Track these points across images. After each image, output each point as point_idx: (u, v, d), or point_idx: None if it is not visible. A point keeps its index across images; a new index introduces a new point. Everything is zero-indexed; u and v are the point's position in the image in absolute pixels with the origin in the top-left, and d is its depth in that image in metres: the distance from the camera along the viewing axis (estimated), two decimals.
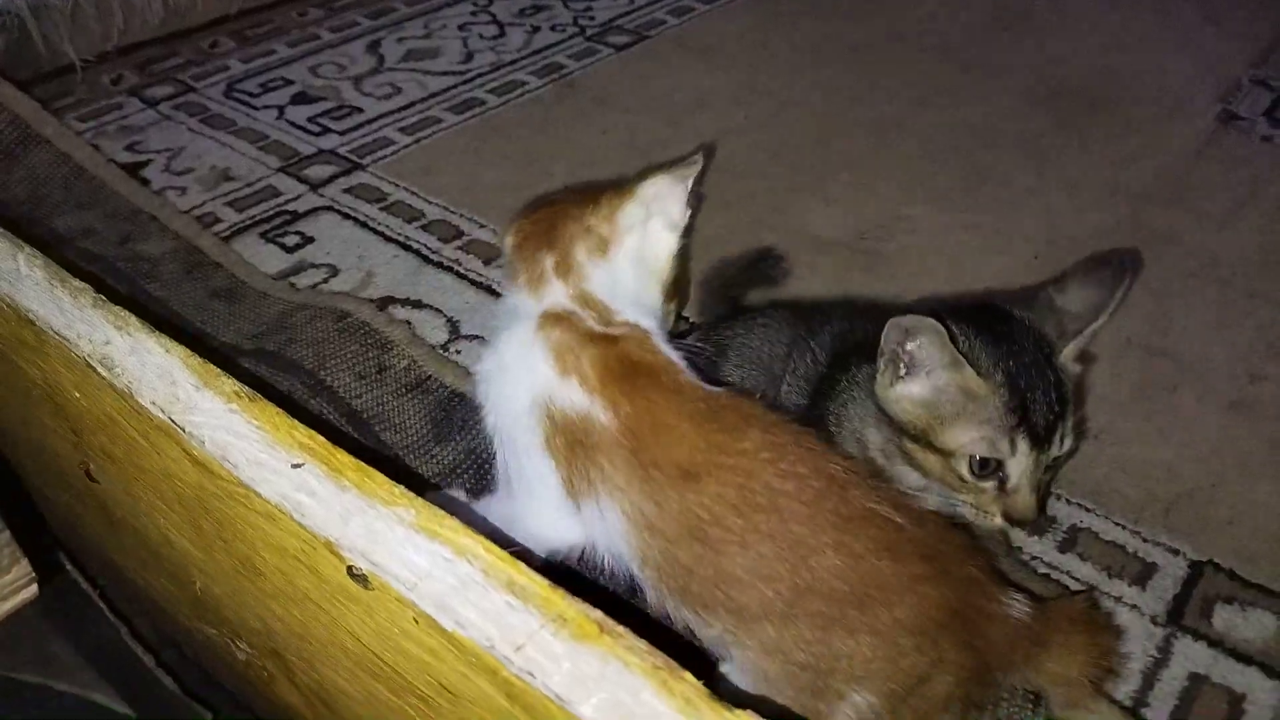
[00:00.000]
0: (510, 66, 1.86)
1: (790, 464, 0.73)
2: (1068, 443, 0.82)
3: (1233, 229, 1.41)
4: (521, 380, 0.79)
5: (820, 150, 1.61)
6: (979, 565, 0.75)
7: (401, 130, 1.66)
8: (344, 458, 0.64)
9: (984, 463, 0.81)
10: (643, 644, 0.53)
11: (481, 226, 1.43)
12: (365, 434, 0.98)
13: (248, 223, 1.43)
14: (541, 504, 0.80)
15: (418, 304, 1.28)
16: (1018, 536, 0.98)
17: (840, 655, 0.70)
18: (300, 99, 1.76)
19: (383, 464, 0.63)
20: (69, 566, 1.11)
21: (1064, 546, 0.98)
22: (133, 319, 0.76)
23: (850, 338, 0.97)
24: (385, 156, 1.59)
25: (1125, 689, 0.85)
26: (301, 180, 1.53)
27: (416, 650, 0.61)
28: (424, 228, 1.43)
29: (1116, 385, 1.16)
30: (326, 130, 1.66)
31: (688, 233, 0.89)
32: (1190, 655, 0.89)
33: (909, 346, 0.81)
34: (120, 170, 1.38)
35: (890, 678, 0.70)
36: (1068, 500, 1.02)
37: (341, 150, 1.61)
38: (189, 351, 0.73)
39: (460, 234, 1.41)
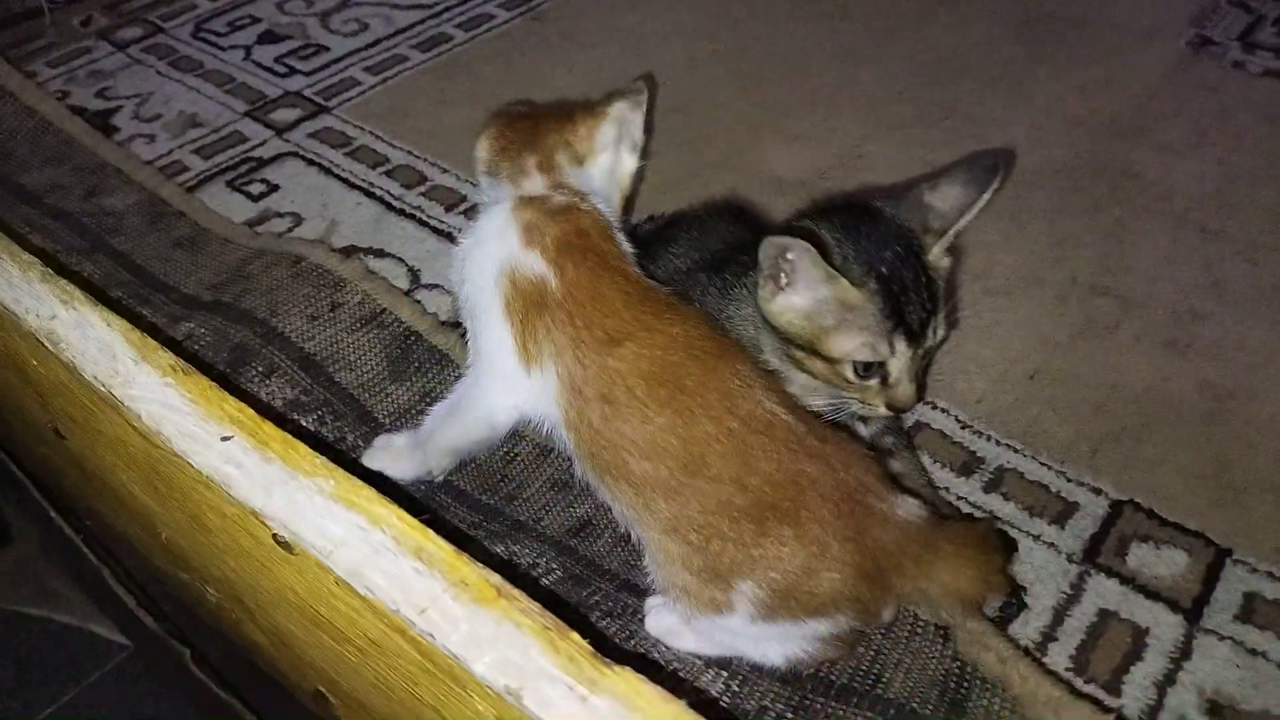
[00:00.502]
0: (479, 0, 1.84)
1: (702, 353, 0.80)
2: (940, 333, 0.88)
3: (1193, 161, 1.41)
4: (491, 253, 0.87)
5: (787, 84, 1.61)
6: (869, 470, 0.79)
7: (368, 70, 1.66)
8: (270, 430, 0.69)
9: (867, 365, 0.86)
10: (535, 606, 0.58)
11: (444, 171, 1.44)
12: (318, 378, 1.02)
13: (214, 170, 1.45)
14: (497, 371, 0.88)
15: (380, 253, 1.30)
16: (946, 478, 1.03)
17: (726, 539, 0.76)
18: (267, 38, 1.75)
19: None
20: (53, 514, 1.17)
21: (989, 487, 1.02)
22: (78, 293, 0.79)
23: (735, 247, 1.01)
24: (351, 98, 1.60)
25: (1035, 624, 0.91)
26: (267, 125, 1.54)
27: (343, 608, 0.66)
28: (388, 173, 1.44)
29: (1057, 325, 1.19)
30: (293, 71, 1.66)
31: (644, 155, 0.98)
32: (1101, 592, 0.93)
33: (784, 263, 0.85)
34: (85, 123, 1.40)
35: (773, 568, 0.75)
36: (997, 441, 1.06)
37: (307, 92, 1.61)
38: (129, 325, 0.77)
39: (423, 179, 1.43)
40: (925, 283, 0.86)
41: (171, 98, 1.60)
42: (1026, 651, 0.86)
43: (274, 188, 1.42)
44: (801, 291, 0.86)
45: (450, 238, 1.32)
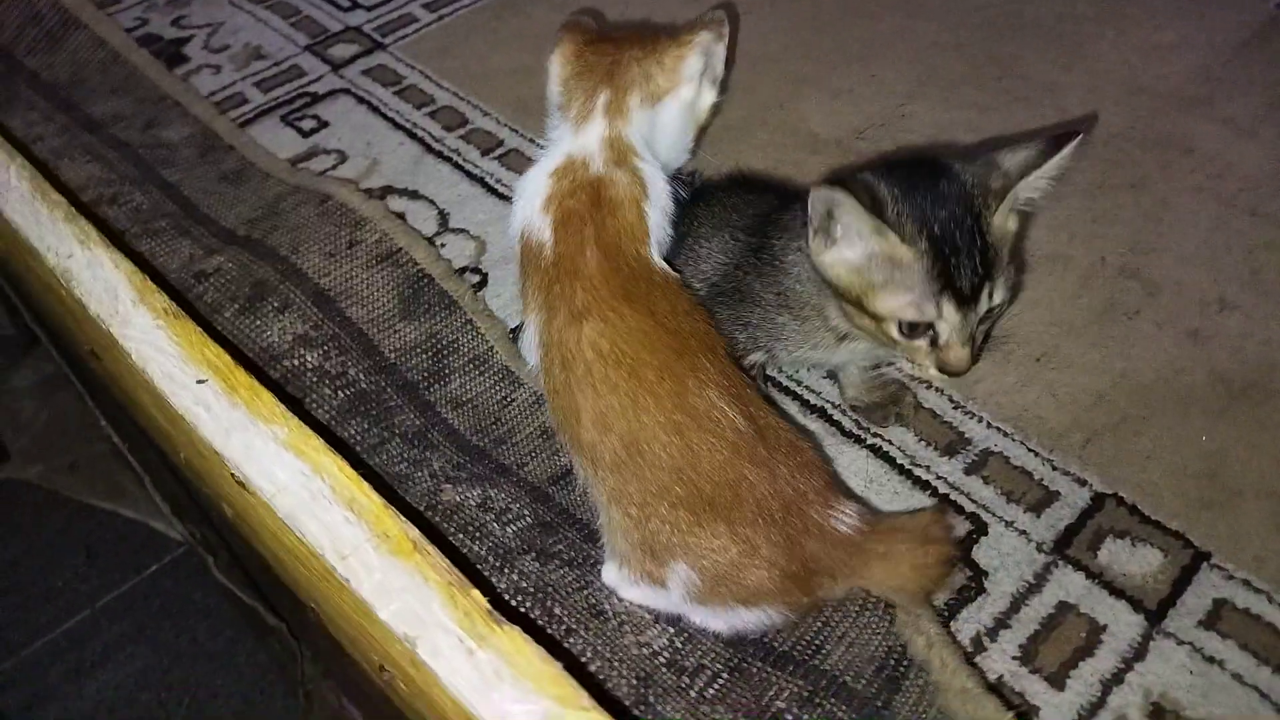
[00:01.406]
0: None
1: (665, 346, 0.81)
2: (998, 296, 0.86)
3: (1256, 139, 1.33)
4: (521, 208, 0.91)
5: (839, 33, 1.57)
6: (813, 481, 0.81)
7: (425, 6, 1.69)
8: (241, 376, 0.74)
9: (914, 325, 0.85)
10: (444, 562, 0.63)
11: (485, 115, 1.47)
12: (329, 313, 1.08)
13: (271, 104, 1.51)
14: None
15: (414, 194, 1.35)
16: (929, 456, 1.03)
17: (664, 522, 0.79)
18: None
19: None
20: (102, 421, 1.28)
21: (971, 469, 1.02)
22: (94, 234, 0.86)
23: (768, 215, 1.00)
24: (407, 35, 1.63)
25: (991, 609, 0.91)
26: (325, 60, 1.59)
27: (289, 544, 0.72)
28: (431, 114, 1.48)
29: (1075, 308, 1.16)
30: (355, 5, 1.70)
31: (723, 89, 0.98)
32: (1065, 584, 0.93)
33: (833, 216, 0.84)
34: (150, 56, 1.47)
35: (705, 557, 0.79)
36: (988, 423, 1.05)
37: (367, 28, 1.65)
38: (134, 268, 0.83)
39: (465, 122, 1.46)
40: (981, 246, 0.83)
41: (240, 29, 1.67)
42: (956, 640, 0.87)
43: (324, 124, 1.47)
44: (852, 244, 0.85)
45: (482, 182, 1.36)
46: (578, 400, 0.81)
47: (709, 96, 0.95)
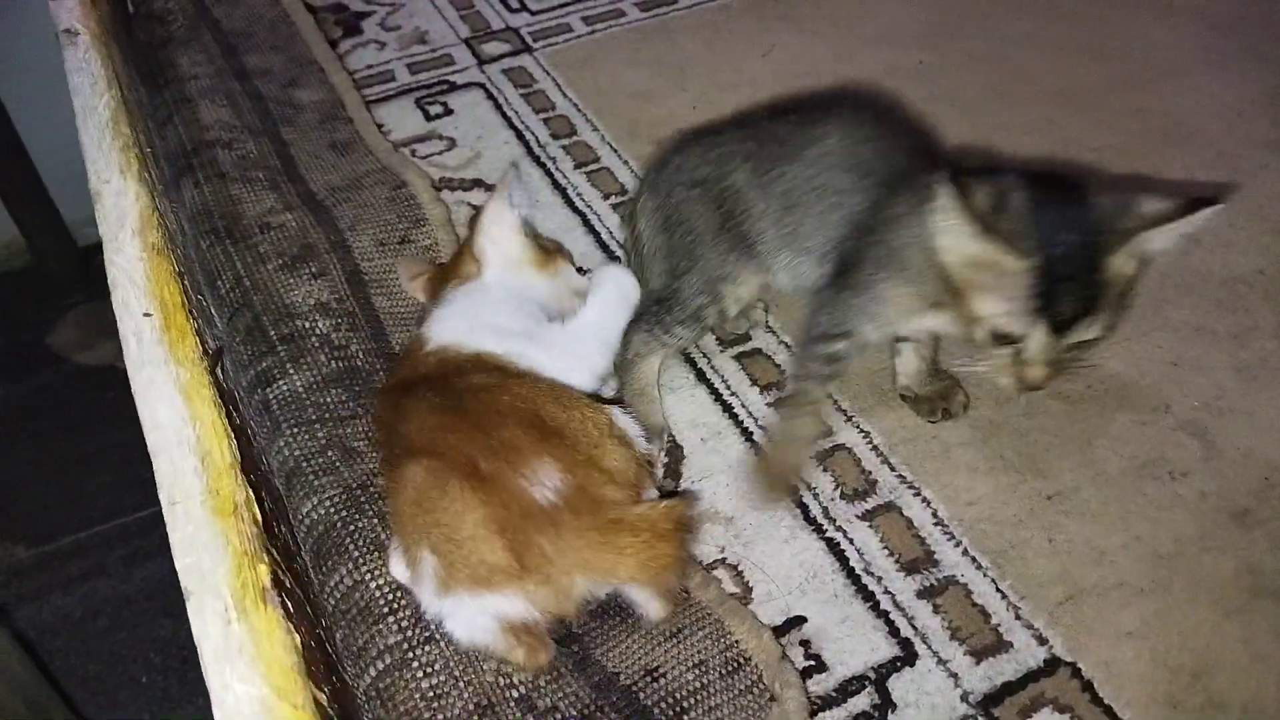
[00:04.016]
0: None
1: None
2: (1093, 332, 0.85)
3: None
4: None
5: (980, 119, 1.48)
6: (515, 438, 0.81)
7: (584, 19, 1.74)
8: (179, 319, 0.80)
9: (1004, 335, 0.86)
10: (255, 530, 0.65)
11: (593, 129, 1.50)
12: (357, 294, 1.14)
13: (413, 86, 1.61)
14: None
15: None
16: (886, 566, 0.96)
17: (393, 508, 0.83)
18: None
19: None
20: None
21: (926, 593, 0.94)
22: (136, 168, 0.96)
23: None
24: (556, 44, 1.69)
25: None
26: (475, 54, 1.67)
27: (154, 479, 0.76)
28: (545, 120, 1.52)
29: (1116, 452, 1.04)
30: (523, 8, 1.78)
31: None
32: None
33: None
34: (313, 20, 1.61)
35: (428, 532, 0.80)
36: (965, 550, 0.97)
37: (524, 30, 1.72)
38: (150, 203, 0.92)
39: (572, 133, 1.50)
40: (1093, 279, 0.83)
41: (416, 13, 1.78)
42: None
43: (449, 112, 1.55)
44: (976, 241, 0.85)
45: (564, 193, 1.39)
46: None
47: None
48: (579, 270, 1.21)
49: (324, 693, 0.61)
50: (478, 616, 0.80)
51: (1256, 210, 1.31)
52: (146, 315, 0.80)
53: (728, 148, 1.06)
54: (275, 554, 0.67)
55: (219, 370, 0.81)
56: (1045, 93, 1.53)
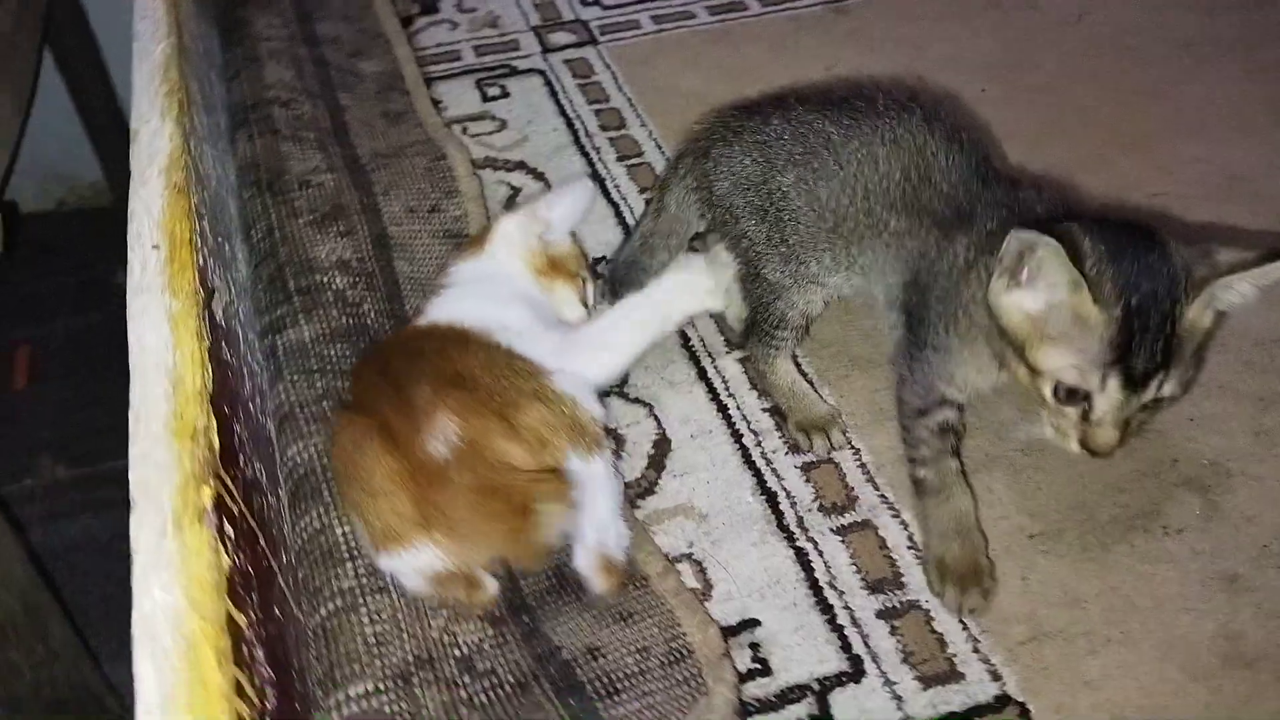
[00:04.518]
0: None
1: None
2: (1168, 389, 0.81)
3: None
4: None
5: (1035, 155, 1.44)
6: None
7: (653, 18, 1.76)
8: (184, 255, 0.84)
9: (1071, 391, 0.81)
10: (206, 456, 0.68)
11: (642, 125, 1.52)
12: (379, 256, 1.18)
13: (476, 67, 1.65)
14: None
15: (539, 175, 1.42)
16: (852, 582, 0.95)
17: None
18: None
19: None
20: None
21: (886, 614, 0.93)
22: (175, 113, 1.01)
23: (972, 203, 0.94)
24: (622, 39, 1.71)
25: None
26: (541, 42, 1.71)
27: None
28: (597, 112, 1.55)
29: (1111, 499, 1.01)
30: (596, 2, 1.81)
31: None
32: None
33: (1028, 260, 0.80)
34: None
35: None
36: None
37: (594, 23, 1.75)
38: (182, 145, 0.96)
39: (621, 126, 1.52)
40: (1169, 332, 0.79)
41: None
42: None
43: (506, 95, 1.59)
44: (1038, 292, 0.81)
45: (603, 184, 1.41)
46: None
47: None
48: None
49: (245, 616, 0.63)
50: (404, 568, 0.82)
51: None
52: (155, 247, 0.84)
53: (774, 146, 1.03)
54: (228, 482, 0.70)
55: (211, 307, 0.84)
56: (1104, 132, 1.49)
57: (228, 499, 0.69)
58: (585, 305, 1.12)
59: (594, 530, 0.88)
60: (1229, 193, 1.38)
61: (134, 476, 0.66)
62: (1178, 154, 1.45)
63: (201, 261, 0.86)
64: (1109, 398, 0.79)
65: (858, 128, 1.00)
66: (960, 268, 0.90)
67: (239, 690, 0.58)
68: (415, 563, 0.82)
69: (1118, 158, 1.44)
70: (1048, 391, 0.82)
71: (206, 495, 0.65)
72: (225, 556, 0.64)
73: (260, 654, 0.66)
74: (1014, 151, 1.44)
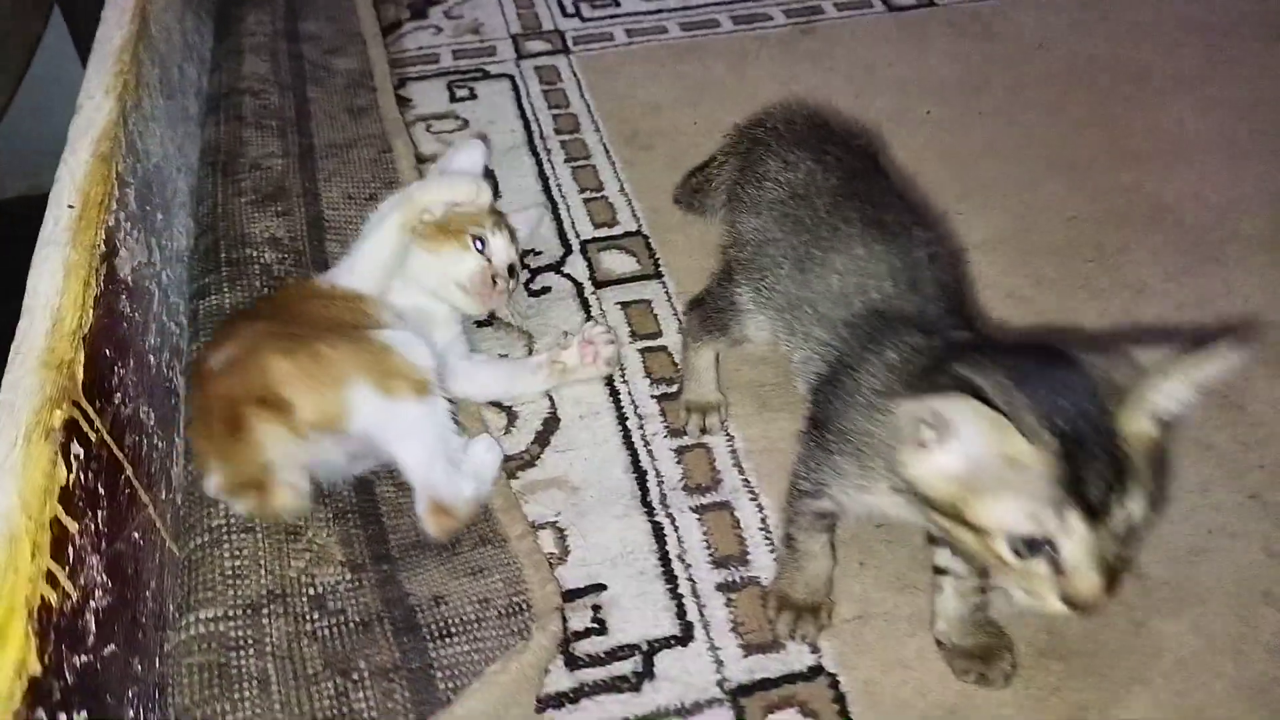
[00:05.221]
0: (775, 0, 1.91)
1: None
2: (1136, 511, 0.70)
3: None
4: None
5: (961, 175, 1.49)
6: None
7: (627, 31, 1.84)
8: (92, 214, 0.94)
9: (1030, 542, 0.70)
10: (69, 384, 0.77)
11: (595, 130, 1.59)
12: (311, 235, 1.27)
13: (451, 70, 1.74)
14: None
15: (487, 172, 1.50)
16: (700, 556, 1.01)
17: None
18: None
19: None
20: None
21: (725, 587, 0.99)
22: (119, 89, 1.11)
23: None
24: (593, 50, 1.80)
25: (630, 706, 0.89)
26: (517, 49, 1.80)
27: None
28: (555, 115, 1.63)
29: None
30: (577, 14, 1.90)
31: None
32: None
33: (934, 423, 0.71)
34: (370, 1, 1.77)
35: None
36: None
37: (569, 34, 1.84)
38: (117, 120, 1.06)
39: (575, 130, 1.60)
40: (1113, 448, 0.69)
41: (480, 6, 1.92)
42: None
43: (474, 96, 1.68)
44: (956, 451, 0.71)
45: (546, 182, 1.49)
46: None
47: None
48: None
49: (77, 524, 0.71)
50: (212, 487, 0.96)
51: (1211, 299, 1.28)
52: (70, 207, 0.94)
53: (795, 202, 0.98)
54: (88, 411, 0.78)
55: (114, 263, 0.93)
56: (1042, 157, 1.52)
57: (84, 424, 0.78)
58: (481, 259, 1.14)
59: (419, 473, 0.96)
60: (1151, 220, 1.41)
61: (2, 398, 0.75)
62: (1109, 181, 1.48)
63: (112, 222, 0.95)
64: (1075, 536, 0.68)
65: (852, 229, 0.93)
66: (860, 404, 0.82)
67: (50, 579, 0.66)
68: (211, 481, 0.95)
69: (1046, 180, 1.48)
70: (1005, 551, 0.70)
71: (58, 417, 0.74)
72: (64, 470, 0.72)
73: (95, 561, 0.74)
74: (947, 170, 1.50)
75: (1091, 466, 0.67)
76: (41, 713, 0.62)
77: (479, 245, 1.14)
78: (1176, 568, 1.00)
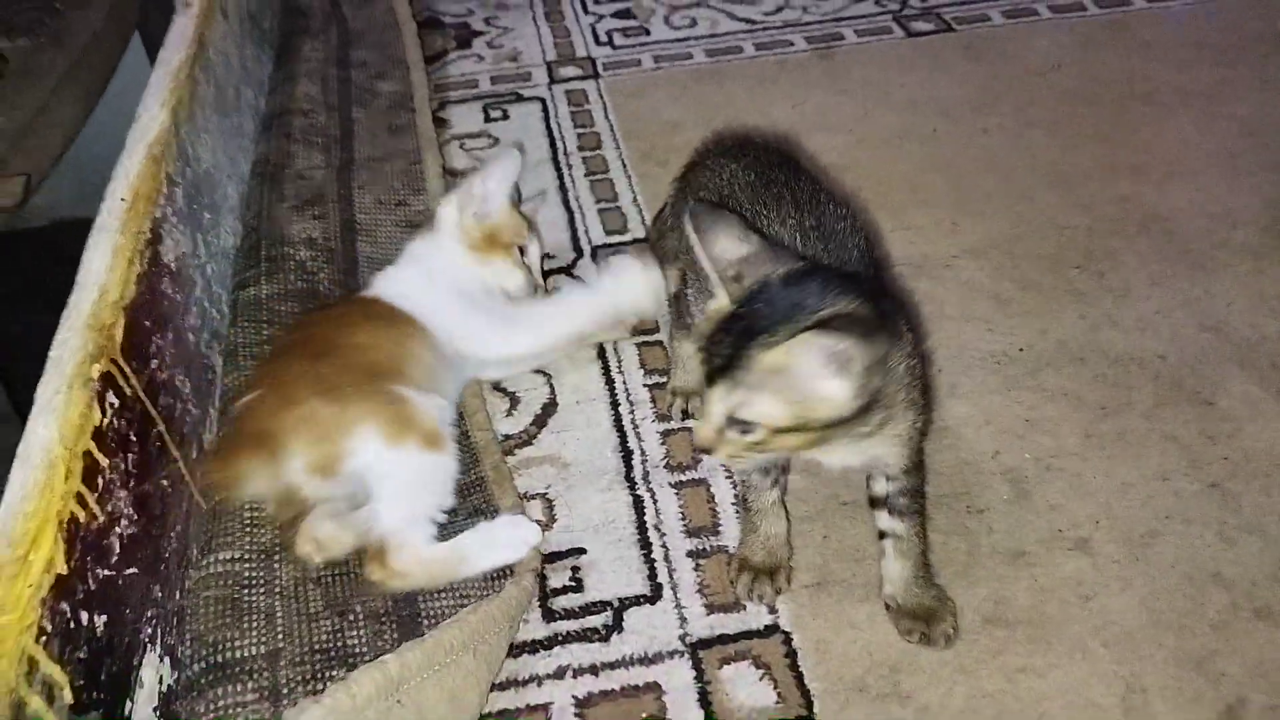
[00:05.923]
0: (797, 26, 2.01)
1: None
2: (733, 402, 0.80)
3: None
4: None
5: (965, 187, 1.56)
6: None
7: (655, 57, 1.96)
8: (141, 207, 1.07)
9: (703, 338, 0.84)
10: (107, 343, 0.89)
11: (615, 147, 1.70)
12: (345, 237, 1.39)
13: (487, 94, 1.88)
14: None
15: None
16: (675, 525, 1.09)
17: None
18: (624, 14, 2.12)
19: None
20: None
21: (695, 554, 1.06)
22: (173, 103, 1.25)
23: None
24: (621, 75, 1.91)
25: (597, 654, 0.97)
26: (550, 74, 1.93)
27: None
28: (580, 134, 1.75)
29: (939, 482, 1.11)
30: (610, 42, 2.02)
31: None
32: (671, 673, 0.96)
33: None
34: (415, 30, 1.91)
35: None
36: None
37: (600, 60, 1.96)
38: (170, 127, 1.20)
39: (597, 146, 1.71)
40: (743, 349, 0.79)
41: (520, 36, 2.06)
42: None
43: (506, 117, 1.81)
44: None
45: (565, 194, 1.60)
46: None
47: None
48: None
49: (108, 460, 0.83)
50: None
51: (1193, 303, 1.32)
52: (122, 200, 1.07)
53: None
54: (124, 368, 0.91)
55: (158, 249, 1.07)
56: (1039, 170, 1.58)
57: (120, 379, 0.90)
58: (525, 270, 1.28)
59: (382, 516, 0.99)
60: (1141, 230, 1.46)
61: (52, 354, 0.88)
62: (1106, 192, 1.53)
63: (159, 214, 1.09)
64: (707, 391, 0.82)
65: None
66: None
67: (80, 500, 0.78)
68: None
69: (1042, 193, 1.54)
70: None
71: (96, 370, 0.86)
72: (99, 414, 0.84)
73: (123, 495, 0.86)
74: (946, 182, 1.57)
75: (723, 343, 0.80)
76: (65, 605, 0.73)
77: (520, 253, 1.28)
78: (1130, 548, 1.05)
